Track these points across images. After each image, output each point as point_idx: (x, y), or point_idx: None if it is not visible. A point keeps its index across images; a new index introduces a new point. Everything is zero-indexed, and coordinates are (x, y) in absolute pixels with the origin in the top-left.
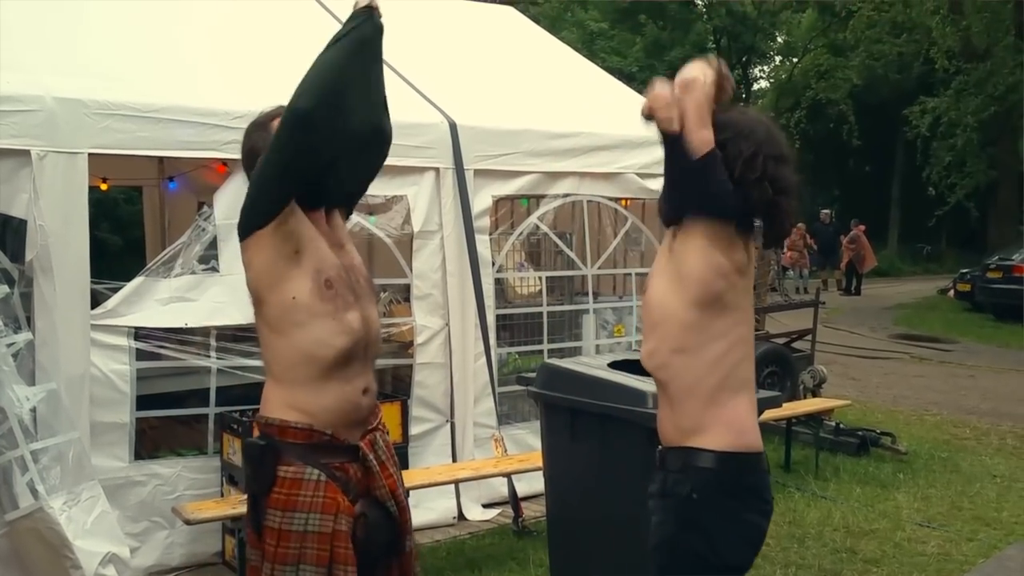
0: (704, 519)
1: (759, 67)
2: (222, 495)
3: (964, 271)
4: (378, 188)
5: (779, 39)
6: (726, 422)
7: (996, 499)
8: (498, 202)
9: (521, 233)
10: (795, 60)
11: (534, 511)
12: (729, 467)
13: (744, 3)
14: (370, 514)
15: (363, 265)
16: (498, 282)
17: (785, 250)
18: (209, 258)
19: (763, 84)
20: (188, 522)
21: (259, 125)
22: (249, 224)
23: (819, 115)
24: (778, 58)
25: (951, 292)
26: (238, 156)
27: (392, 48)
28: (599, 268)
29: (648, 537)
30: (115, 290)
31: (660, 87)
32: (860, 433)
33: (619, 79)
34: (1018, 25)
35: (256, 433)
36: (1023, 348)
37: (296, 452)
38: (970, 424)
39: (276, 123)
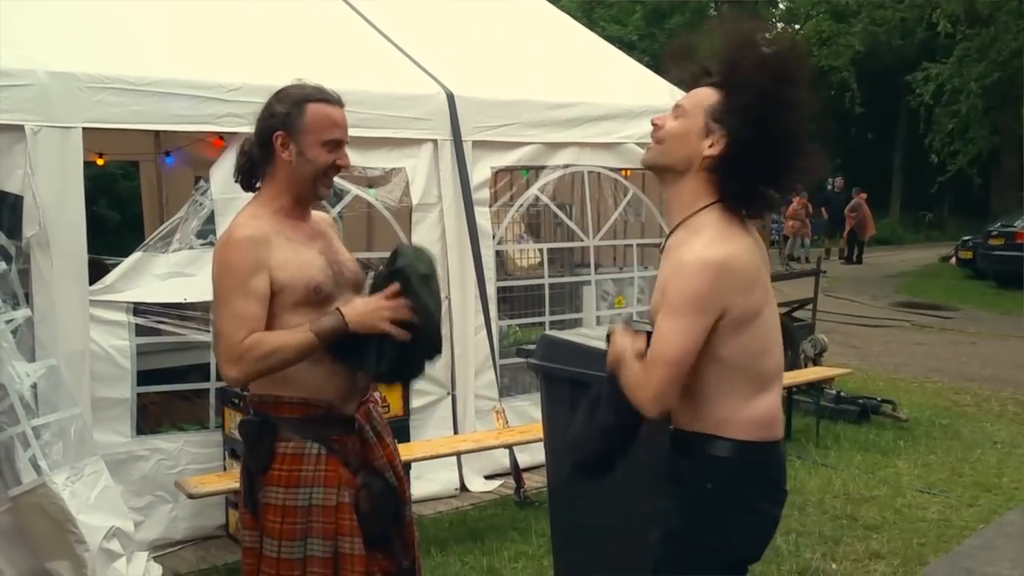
0: (719, 510)
1: None
2: (224, 469)
3: (966, 238)
4: (376, 160)
5: (781, 5)
6: (754, 417)
7: (996, 465)
8: (497, 173)
9: (521, 205)
10: (797, 27)
11: (536, 482)
12: (747, 456)
13: None
14: (372, 485)
15: (339, 250)
16: (498, 254)
17: (786, 219)
18: (207, 233)
19: None
20: (191, 496)
21: (295, 102)
22: None
23: (821, 82)
24: (780, 25)
25: (953, 259)
26: (234, 129)
27: (389, 19)
28: (600, 239)
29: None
30: (115, 266)
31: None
32: (861, 401)
33: (619, 48)
34: None
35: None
36: None
37: (293, 426)
38: (971, 391)
39: (312, 107)
